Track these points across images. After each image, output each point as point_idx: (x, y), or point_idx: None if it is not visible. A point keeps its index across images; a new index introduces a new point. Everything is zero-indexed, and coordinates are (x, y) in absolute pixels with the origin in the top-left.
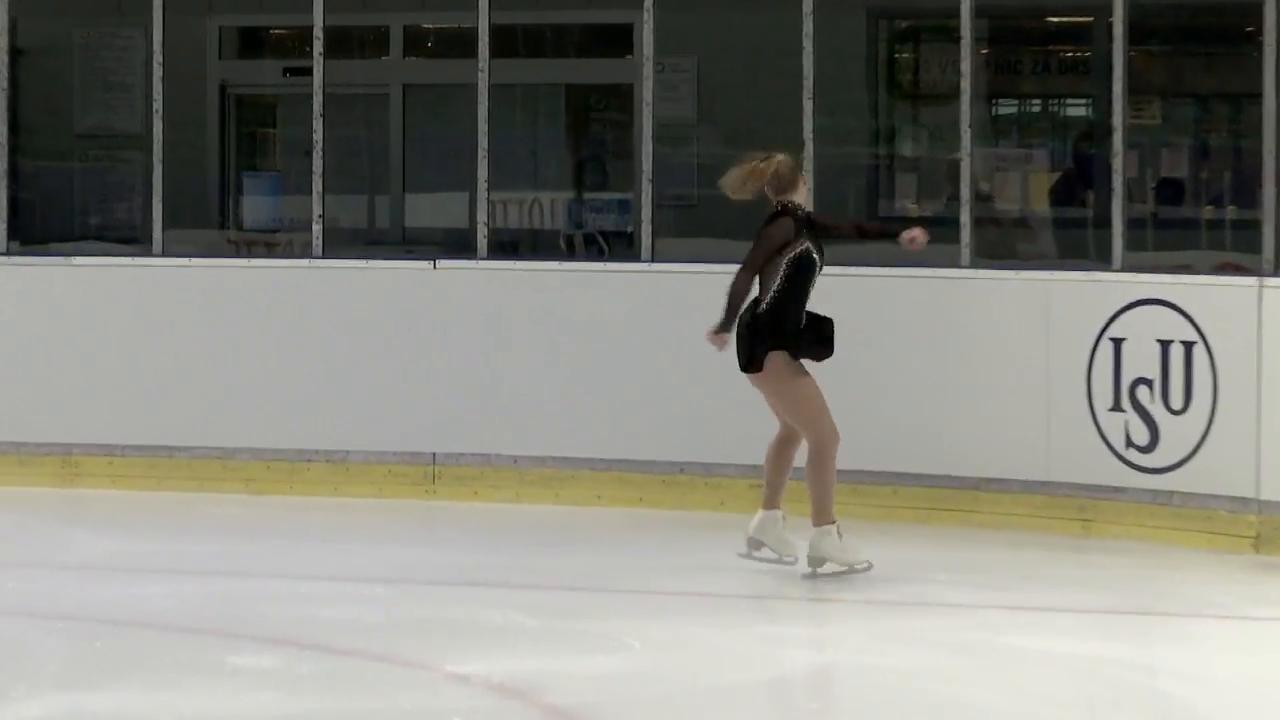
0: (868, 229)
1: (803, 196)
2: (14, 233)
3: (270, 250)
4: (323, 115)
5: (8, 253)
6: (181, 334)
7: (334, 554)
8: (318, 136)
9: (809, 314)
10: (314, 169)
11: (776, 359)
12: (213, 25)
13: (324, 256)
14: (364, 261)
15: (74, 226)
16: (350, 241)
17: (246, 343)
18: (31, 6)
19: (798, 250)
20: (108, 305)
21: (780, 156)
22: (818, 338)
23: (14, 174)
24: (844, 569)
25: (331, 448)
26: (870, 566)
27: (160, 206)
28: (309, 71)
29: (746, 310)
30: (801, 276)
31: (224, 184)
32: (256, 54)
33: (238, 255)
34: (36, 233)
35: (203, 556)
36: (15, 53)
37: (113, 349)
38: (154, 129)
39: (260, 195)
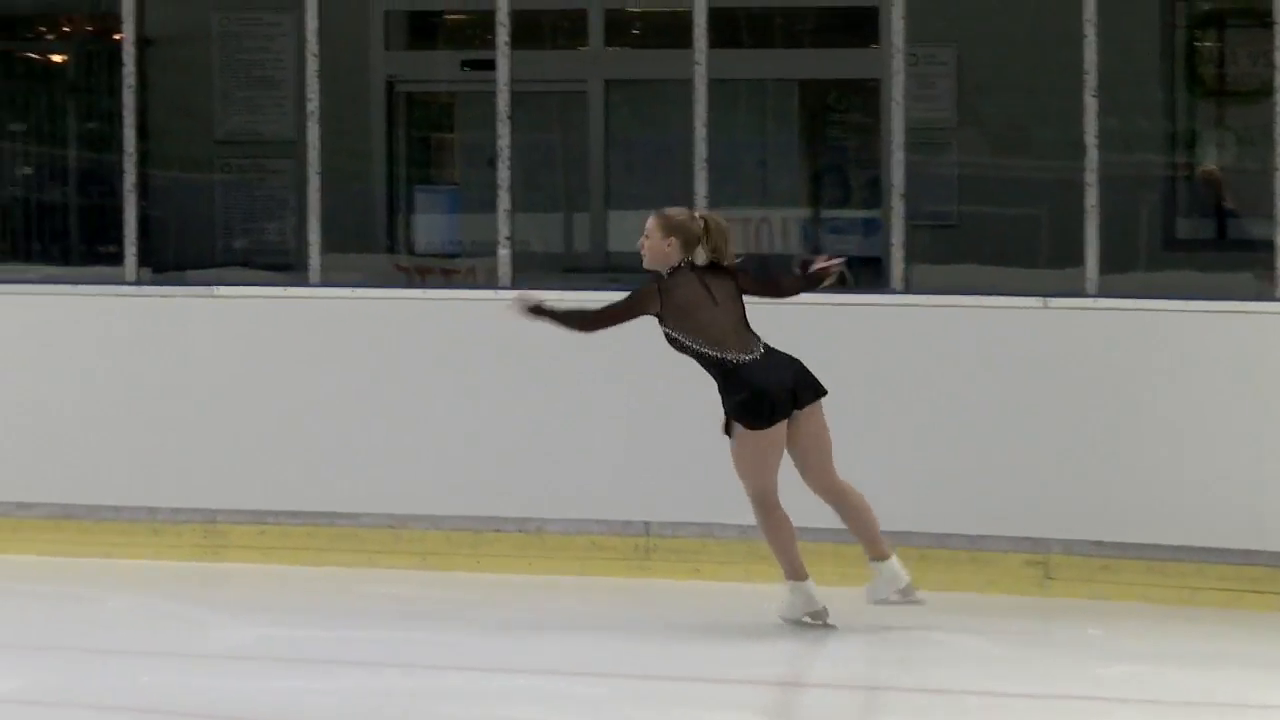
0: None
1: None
2: (145, 258)
3: (448, 279)
4: (509, 117)
5: (138, 281)
6: (343, 379)
7: (526, 643)
8: (503, 142)
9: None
10: (499, 181)
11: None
12: (377, 10)
13: (513, 286)
14: (560, 292)
15: (215, 251)
16: (544, 268)
17: (421, 389)
18: None
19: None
20: (256, 344)
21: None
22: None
23: (144, 188)
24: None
25: (524, 515)
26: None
27: (317, 227)
28: (492, 65)
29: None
30: (685, 351)
31: (392, 200)
32: (429, 44)
33: (409, 285)
34: (171, 258)
35: (369, 645)
36: (144, 43)
37: (262, 396)
38: (308, 134)
39: (435, 213)
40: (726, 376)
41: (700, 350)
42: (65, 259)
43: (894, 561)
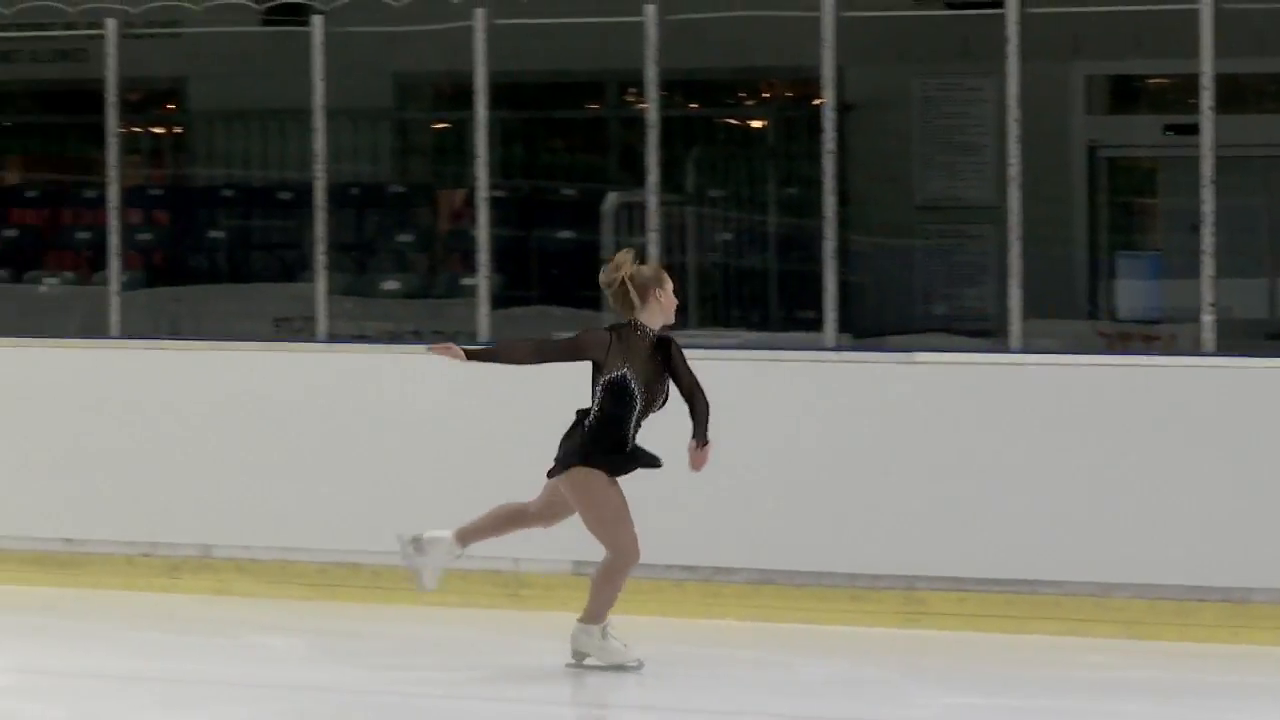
0: (694, 401)
1: (653, 316)
2: (844, 324)
3: (1148, 345)
4: (1213, 182)
5: (837, 347)
6: (1042, 445)
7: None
8: (1207, 208)
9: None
10: (1202, 247)
11: (577, 473)
12: (1078, 73)
13: (1216, 353)
14: (1267, 359)
15: (914, 316)
16: (1247, 334)
17: (1124, 457)
18: (864, 53)
19: (612, 374)
20: (956, 410)
21: (632, 266)
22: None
23: (843, 254)
24: (611, 665)
25: (1230, 585)
26: (641, 665)
27: (1018, 293)
28: (1195, 129)
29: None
30: (619, 403)
31: (1093, 266)
32: (1131, 108)
33: (1109, 351)
34: (870, 324)
35: (1070, 716)
36: (843, 108)
37: (961, 462)
38: (1010, 199)
39: (1137, 279)
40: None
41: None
42: (764, 324)
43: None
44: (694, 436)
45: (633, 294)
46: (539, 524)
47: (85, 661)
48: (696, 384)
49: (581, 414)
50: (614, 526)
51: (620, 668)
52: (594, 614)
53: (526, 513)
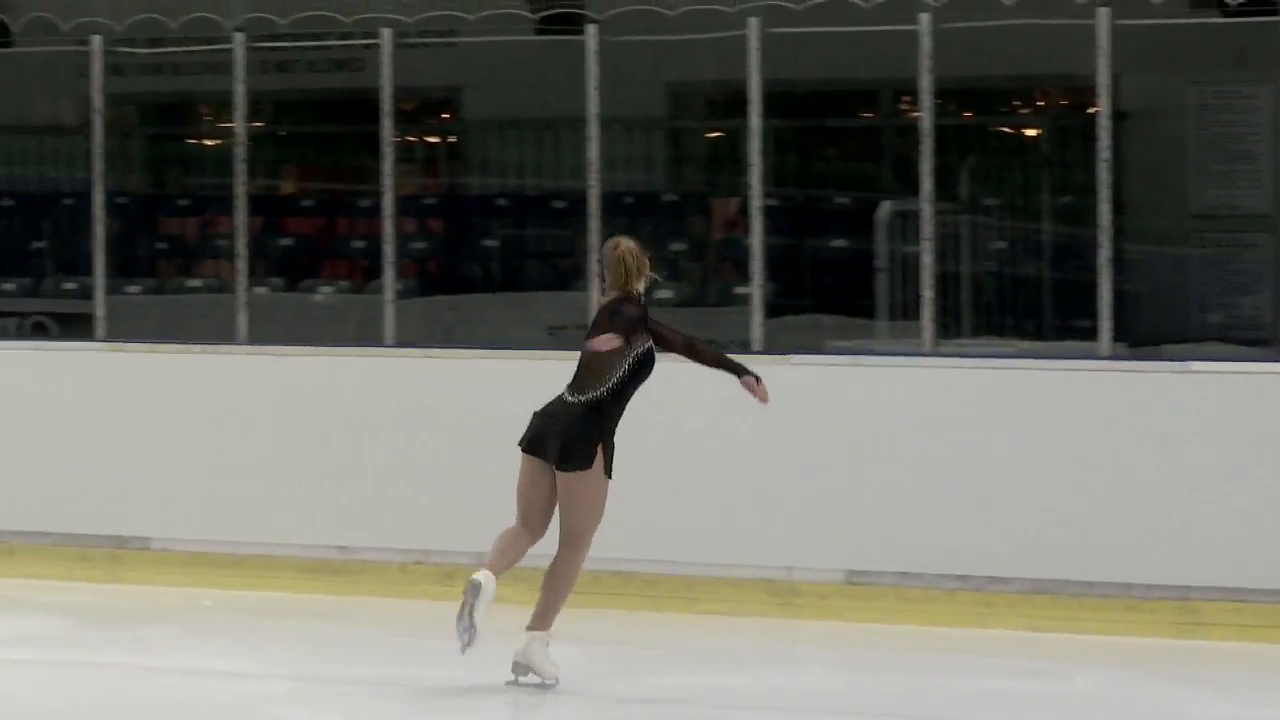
0: (700, 350)
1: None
2: (1119, 333)
3: None
4: None
5: (1112, 356)
6: None
7: None
8: None
9: None
10: None
11: (598, 460)
12: None
13: None
14: None
15: (1189, 326)
16: None
17: None
18: (1139, 61)
19: (641, 348)
20: (1230, 419)
21: (625, 241)
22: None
23: (1118, 262)
24: (542, 681)
25: None
26: (557, 682)
27: None
28: None
29: (574, 398)
30: (637, 377)
31: None
32: None
33: None
34: (1145, 333)
35: None
36: (1118, 116)
37: (1238, 474)
38: None
39: None
40: None
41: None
42: (1038, 333)
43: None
44: (743, 376)
45: (633, 264)
46: (532, 541)
47: (358, 669)
48: (690, 335)
49: (580, 393)
50: (596, 529)
51: (541, 685)
52: (549, 621)
53: (521, 539)
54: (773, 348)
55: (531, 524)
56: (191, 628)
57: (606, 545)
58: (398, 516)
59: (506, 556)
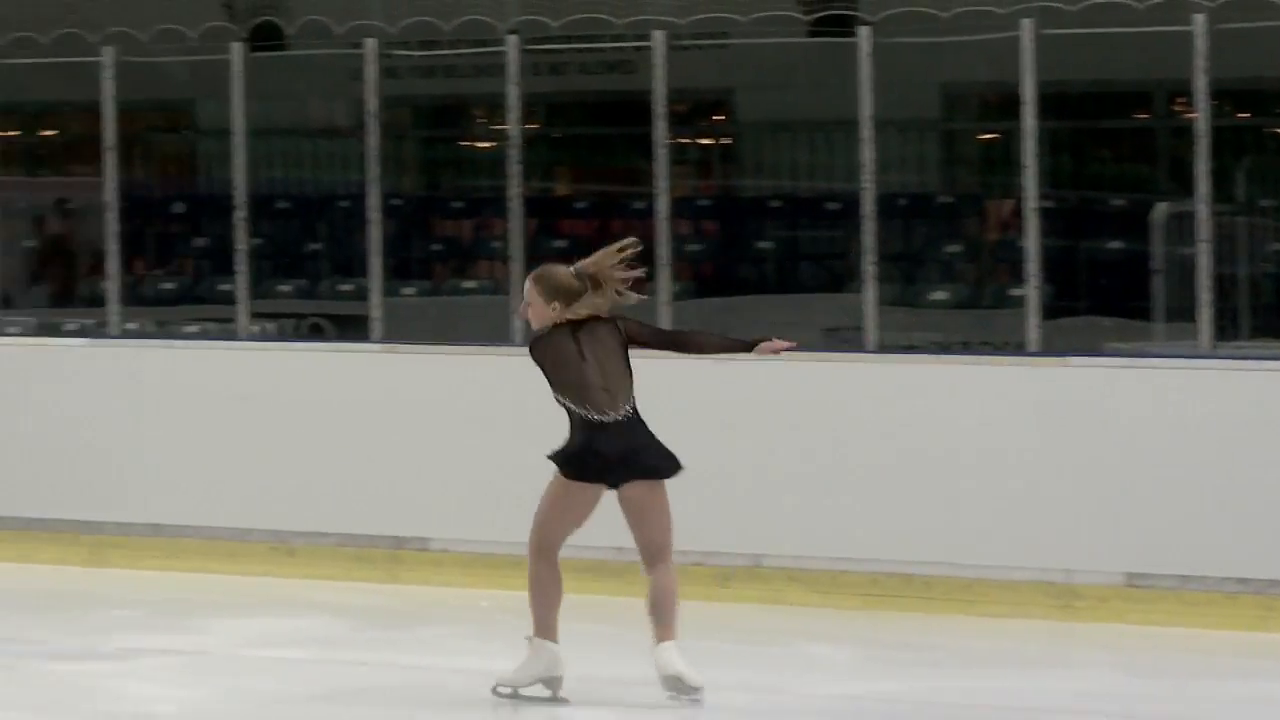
0: (691, 340)
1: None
2: None
3: None
4: None
5: None
6: None
7: None
8: None
9: None
10: None
11: None
12: None
13: None
14: None
15: None
16: None
17: None
18: None
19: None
20: None
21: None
22: None
23: None
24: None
25: None
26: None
27: None
28: None
29: (626, 410)
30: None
31: None
32: None
33: None
34: None
35: None
36: None
37: None
38: None
39: None
40: (582, 428)
41: (568, 406)
42: None
43: (666, 648)
44: (754, 347)
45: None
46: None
47: (634, 668)
48: (674, 329)
49: (625, 403)
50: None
51: (695, 693)
52: (675, 631)
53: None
54: (1049, 349)
55: (555, 557)
56: (469, 628)
57: (888, 548)
58: (676, 518)
59: (544, 601)
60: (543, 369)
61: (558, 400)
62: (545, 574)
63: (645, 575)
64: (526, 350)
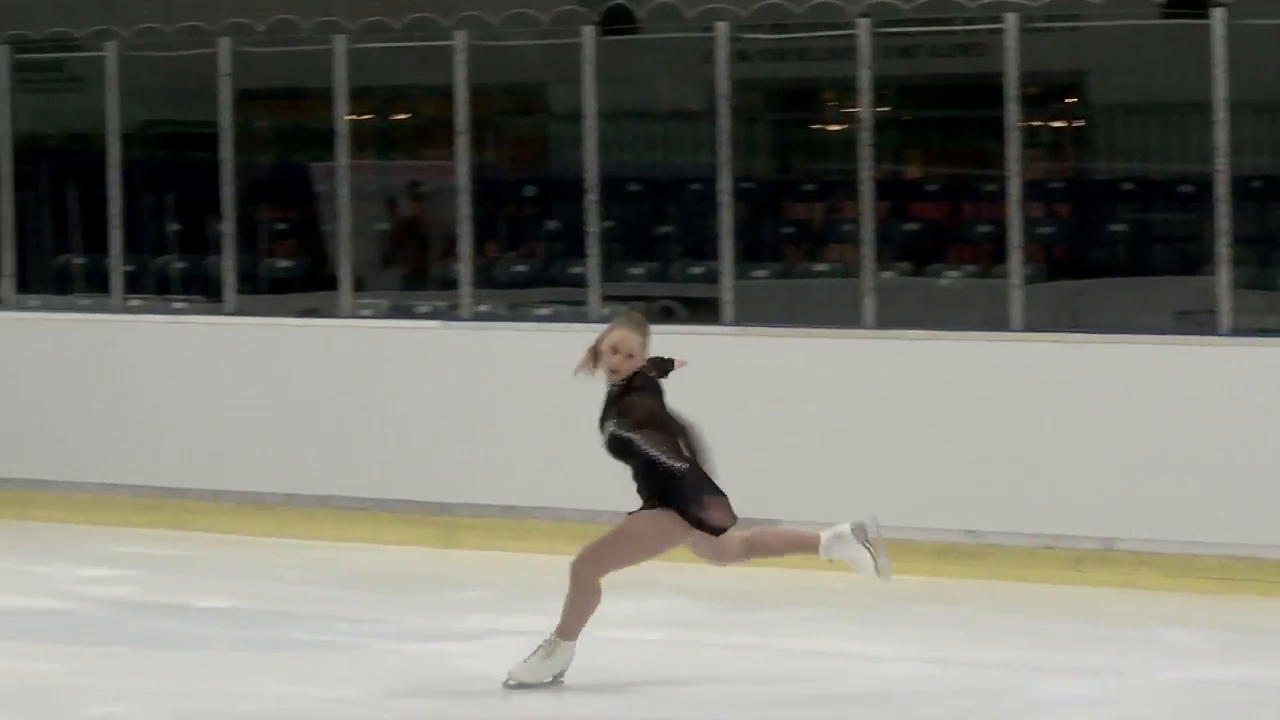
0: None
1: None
2: None
3: None
4: None
5: None
6: None
7: None
8: None
9: None
10: None
11: None
12: None
13: None
14: None
15: None
16: None
17: None
18: None
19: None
20: None
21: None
22: None
23: None
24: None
25: None
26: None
27: None
28: None
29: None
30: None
31: None
32: None
33: None
34: None
35: None
36: None
37: None
38: None
39: None
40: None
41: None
42: None
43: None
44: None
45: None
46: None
47: (993, 653)
48: None
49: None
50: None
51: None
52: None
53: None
54: None
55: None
56: (823, 610)
57: (1239, 532)
58: (1026, 501)
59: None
60: (654, 419)
61: (630, 449)
62: (598, 586)
63: (735, 559)
64: (874, 334)
